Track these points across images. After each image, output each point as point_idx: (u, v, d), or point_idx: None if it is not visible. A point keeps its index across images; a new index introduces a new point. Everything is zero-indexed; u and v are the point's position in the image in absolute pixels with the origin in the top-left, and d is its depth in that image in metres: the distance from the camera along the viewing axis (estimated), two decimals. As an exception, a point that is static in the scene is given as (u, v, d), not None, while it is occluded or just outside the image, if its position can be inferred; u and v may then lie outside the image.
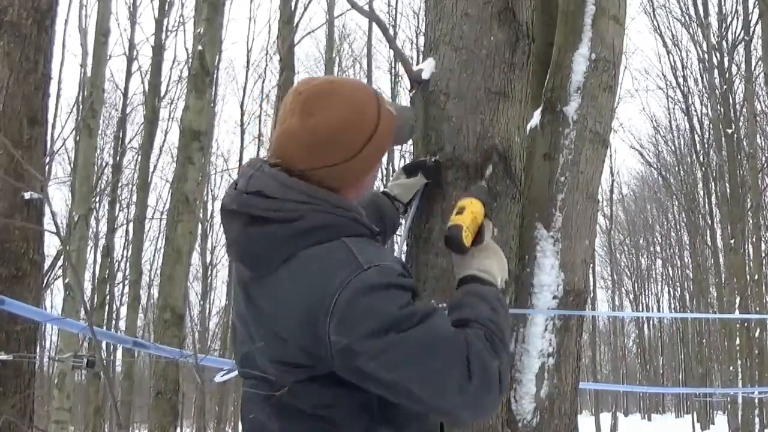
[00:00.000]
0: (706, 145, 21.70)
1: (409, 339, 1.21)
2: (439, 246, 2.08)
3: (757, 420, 17.18)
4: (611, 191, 27.43)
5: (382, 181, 20.26)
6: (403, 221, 2.10)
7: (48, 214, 4.26)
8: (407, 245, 2.15)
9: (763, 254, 18.17)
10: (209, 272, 25.16)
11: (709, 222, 22.17)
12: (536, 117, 2.50)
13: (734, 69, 19.65)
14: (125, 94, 17.94)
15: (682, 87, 22.35)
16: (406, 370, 1.21)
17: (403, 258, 2.17)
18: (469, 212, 1.61)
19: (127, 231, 20.60)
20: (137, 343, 3.24)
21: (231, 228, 1.37)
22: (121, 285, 21.25)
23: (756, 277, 17.37)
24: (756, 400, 16.55)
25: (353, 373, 1.23)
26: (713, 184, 21.49)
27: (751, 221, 17.81)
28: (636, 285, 38.54)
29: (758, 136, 18.80)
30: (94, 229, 19.67)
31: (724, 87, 19.01)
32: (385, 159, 20.41)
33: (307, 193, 1.34)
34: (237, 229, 1.35)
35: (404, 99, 19.65)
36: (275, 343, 1.31)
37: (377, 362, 1.21)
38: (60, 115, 16.06)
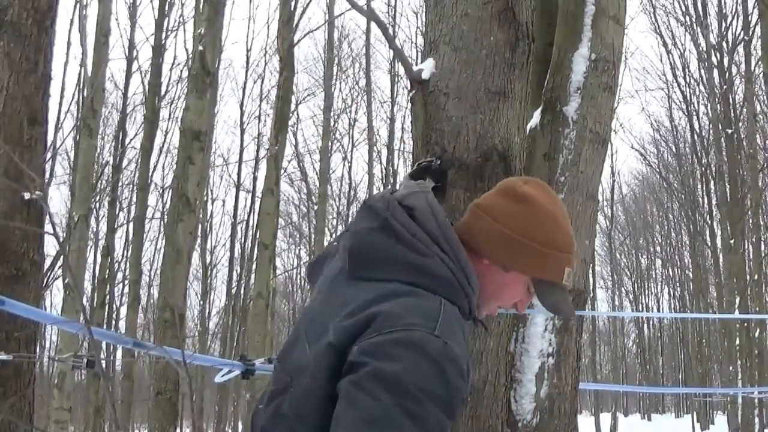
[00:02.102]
0: (706, 145, 21.70)
1: (387, 410, 1.14)
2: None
3: (756, 420, 17.17)
4: (611, 191, 27.44)
5: (384, 186, 20.27)
6: None
7: (52, 212, 4.26)
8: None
9: (763, 254, 18.17)
10: (209, 272, 25.15)
11: (709, 222, 22.16)
12: (536, 117, 2.50)
13: (734, 69, 19.65)
14: (125, 94, 17.93)
15: (682, 87, 22.36)
16: (354, 425, 1.15)
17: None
18: None
19: (127, 231, 20.61)
20: (137, 343, 3.24)
21: (360, 220, 1.36)
22: (121, 285, 21.25)
23: (756, 277, 17.36)
24: (756, 400, 16.54)
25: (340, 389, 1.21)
26: (713, 184, 21.49)
27: (751, 221, 17.80)
28: (636, 285, 38.53)
29: (758, 136, 18.79)
30: (94, 229, 19.68)
31: (724, 87, 19.01)
32: (383, 159, 20.39)
33: (448, 239, 1.31)
34: (366, 224, 1.34)
35: (404, 99, 19.65)
36: (303, 345, 1.30)
37: (349, 391, 1.17)
38: (60, 115, 16.03)
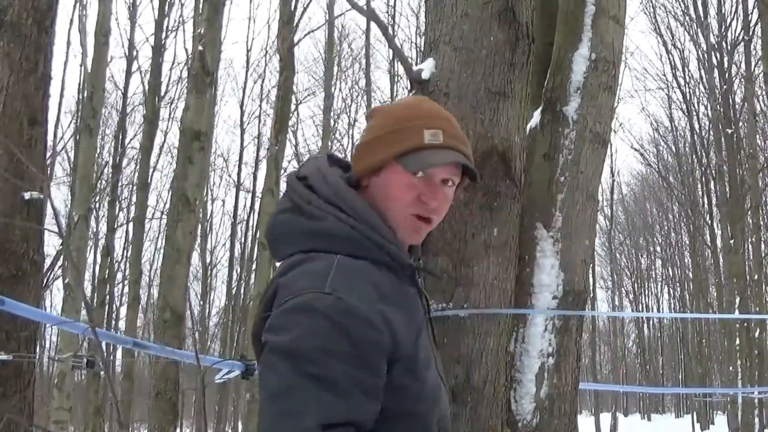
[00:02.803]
0: (706, 145, 21.70)
1: (291, 380, 1.13)
2: (438, 246, 2.08)
3: (756, 420, 17.16)
4: (611, 191, 27.43)
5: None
6: None
7: (50, 213, 4.26)
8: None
9: (763, 254, 18.16)
10: (209, 272, 25.16)
11: (709, 222, 22.16)
12: (536, 117, 2.50)
13: (734, 69, 19.64)
14: (125, 94, 17.94)
15: (682, 87, 22.35)
16: (266, 404, 1.16)
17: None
18: None
19: (127, 231, 20.63)
20: (137, 343, 3.24)
21: (278, 205, 1.38)
22: (121, 285, 21.26)
23: (756, 277, 17.36)
24: (756, 400, 16.54)
25: None
26: (713, 184, 21.49)
27: (750, 221, 17.80)
28: (636, 285, 38.53)
29: (758, 136, 18.79)
30: (94, 229, 19.68)
31: (724, 87, 19.01)
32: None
33: (341, 196, 1.30)
34: (277, 208, 1.36)
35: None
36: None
37: (260, 372, 1.19)
38: (60, 115, 16.06)
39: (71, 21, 17.02)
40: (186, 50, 16.75)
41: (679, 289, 33.28)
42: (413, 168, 1.32)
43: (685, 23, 21.54)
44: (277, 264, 1.33)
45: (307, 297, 1.18)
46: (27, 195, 3.95)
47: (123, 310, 19.21)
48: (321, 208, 1.28)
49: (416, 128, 1.33)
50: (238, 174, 22.87)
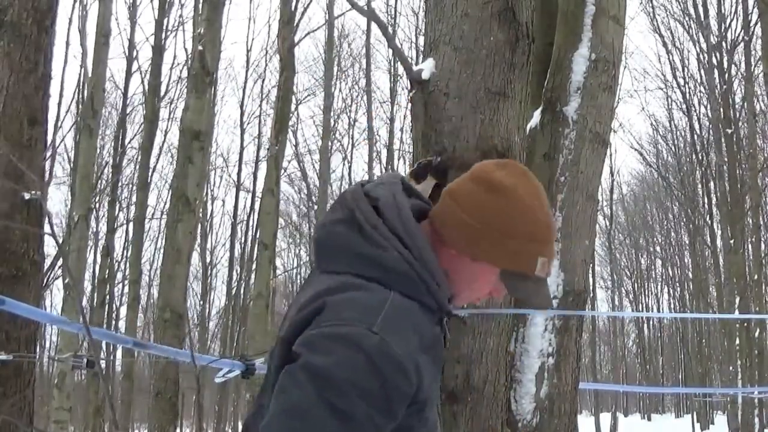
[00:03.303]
0: (706, 145, 21.70)
1: (311, 402, 1.13)
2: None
3: (756, 420, 17.16)
4: (611, 191, 27.43)
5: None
6: None
7: (53, 212, 4.26)
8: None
9: (763, 254, 18.17)
10: (209, 272, 25.17)
11: (709, 222, 22.16)
12: (536, 117, 2.50)
13: (734, 69, 19.65)
14: (125, 94, 17.94)
15: (681, 87, 22.35)
16: (277, 413, 1.16)
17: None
18: None
19: (127, 231, 20.63)
20: (137, 343, 3.24)
21: (331, 212, 1.34)
22: (121, 285, 21.26)
23: (756, 277, 17.36)
24: (756, 400, 16.53)
25: None
26: (713, 184, 21.49)
27: (750, 221, 17.80)
28: (636, 285, 38.53)
29: (758, 136, 18.79)
30: (94, 229, 19.68)
31: (724, 87, 19.01)
32: (380, 159, 20.39)
33: (409, 233, 1.27)
34: (334, 216, 1.32)
35: (404, 99, 19.64)
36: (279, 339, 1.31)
37: (281, 380, 1.18)
38: (60, 115, 16.04)
39: (70, 21, 17.03)
40: (186, 50, 16.75)
41: (679, 289, 33.28)
42: (510, 289, 1.35)
43: (685, 23, 21.55)
44: (320, 274, 1.30)
45: (354, 330, 1.17)
46: (27, 195, 3.95)
47: (123, 310, 19.21)
48: (385, 237, 1.26)
49: (532, 253, 1.32)
50: (238, 174, 22.89)
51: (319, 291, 1.25)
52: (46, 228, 4.23)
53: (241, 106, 22.24)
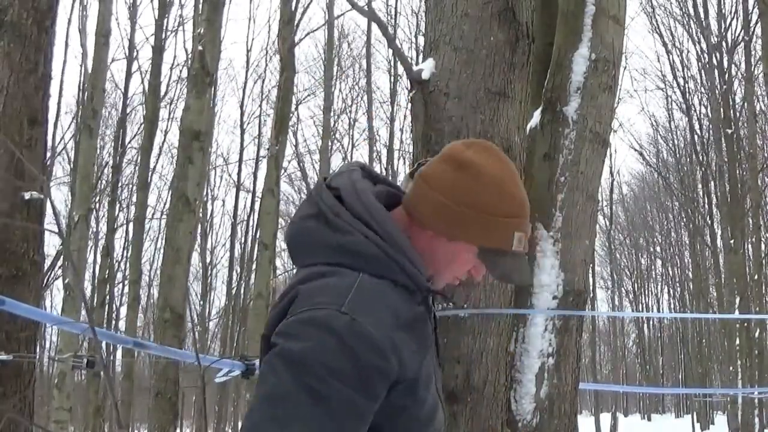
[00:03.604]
0: (705, 145, 21.71)
1: (289, 387, 1.15)
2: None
3: (756, 420, 17.17)
4: (611, 191, 27.43)
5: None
6: None
7: (50, 213, 4.27)
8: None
9: (763, 254, 18.17)
10: (209, 272, 25.17)
11: (709, 222, 22.16)
12: (536, 117, 2.50)
13: (734, 69, 19.65)
14: (125, 94, 17.95)
15: (681, 87, 22.35)
16: (257, 401, 1.18)
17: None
18: None
19: (127, 231, 20.64)
20: (137, 343, 3.24)
21: (300, 209, 1.36)
22: (121, 285, 21.26)
23: (756, 277, 17.37)
24: (756, 400, 16.54)
25: None
26: (713, 184, 21.49)
27: (750, 221, 17.81)
28: (636, 285, 38.54)
29: (758, 136, 18.79)
30: (94, 229, 19.68)
31: (724, 87, 19.01)
32: (378, 158, 20.39)
33: (372, 214, 1.29)
34: (302, 212, 1.34)
35: (404, 99, 19.65)
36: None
37: (261, 370, 1.21)
38: (60, 115, 16.06)
39: (70, 21, 17.06)
40: (186, 50, 16.76)
41: (679, 289, 33.29)
42: (489, 267, 1.36)
43: (685, 23, 21.55)
44: (295, 269, 1.33)
45: (324, 312, 1.18)
46: (27, 195, 3.95)
47: (123, 310, 19.22)
48: (349, 222, 1.28)
49: (507, 228, 1.33)
50: (238, 174, 22.89)
51: (291, 283, 1.28)
52: (51, 226, 4.23)
53: (241, 106, 22.26)
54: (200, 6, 10.45)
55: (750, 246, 17.98)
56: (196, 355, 2.17)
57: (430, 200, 1.32)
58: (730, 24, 19.84)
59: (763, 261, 17.69)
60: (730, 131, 18.55)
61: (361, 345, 1.17)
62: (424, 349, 1.31)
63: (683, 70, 22.29)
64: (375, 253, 1.26)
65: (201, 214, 20.04)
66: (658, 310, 38.89)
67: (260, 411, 1.16)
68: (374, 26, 15.74)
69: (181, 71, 18.42)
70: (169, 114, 19.59)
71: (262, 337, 1.29)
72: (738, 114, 19.48)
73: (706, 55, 20.06)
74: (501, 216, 1.31)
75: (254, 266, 17.42)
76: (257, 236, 16.79)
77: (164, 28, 16.13)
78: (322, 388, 1.15)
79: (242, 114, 22.27)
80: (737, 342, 17.44)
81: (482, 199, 1.30)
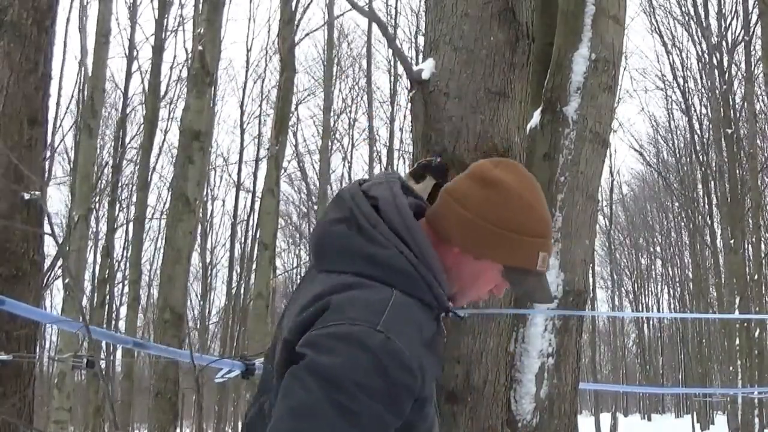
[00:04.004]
0: (705, 145, 21.70)
1: (318, 403, 1.13)
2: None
3: (756, 420, 17.16)
4: (611, 191, 27.43)
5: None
6: None
7: (52, 212, 4.27)
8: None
9: (763, 254, 18.16)
10: (209, 272, 25.16)
11: (709, 222, 22.16)
12: (536, 117, 2.50)
13: (734, 69, 19.65)
14: (125, 94, 17.94)
15: (681, 87, 22.34)
16: (284, 415, 1.16)
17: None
18: None
19: (127, 231, 20.63)
20: (137, 343, 3.24)
21: (329, 211, 1.34)
22: (121, 285, 21.25)
23: (756, 277, 17.36)
24: (756, 400, 16.53)
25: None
26: (713, 184, 21.48)
27: (750, 221, 17.80)
28: (636, 285, 38.52)
29: (758, 136, 18.79)
30: (94, 229, 19.67)
31: (724, 87, 19.00)
32: (381, 158, 20.40)
33: (410, 230, 1.28)
34: (332, 215, 1.32)
35: (404, 99, 19.64)
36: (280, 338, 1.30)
37: (287, 381, 1.18)
38: (60, 115, 16.03)
39: (68, 21, 17.06)
40: (186, 50, 16.76)
41: (679, 289, 33.28)
42: (514, 285, 1.37)
43: (685, 23, 21.55)
44: (318, 273, 1.30)
45: (359, 329, 1.17)
46: (27, 195, 3.95)
47: (123, 310, 19.21)
48: (386, 237, 1.27)
49: (533, 248, 1.33)
50: (238, 174, 22.88)
51: (321, 291, 1.24)
52: (46, 228, 4.23)
53: (241, 106, 22.25)
54: (200, 6, 10.44)
55: (750, 246, 17.98)
56: (191, 355, 2.17)
57: (458, 217, 1.31)
58: (730, 24, 19.85)
59: (763, 261, 17.68)
60: (730, 131, 18.54)
61: (393, 363, 1.16)
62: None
63: (683, 70, 22.30)
64: (408, 270, 1.26)
65: (201, 214, 20.04)
66: (658, 310, 38.90)
67: (286, 424, 1.14)
68: (374, 26, 15.74)
69: (181, 71, 18.43)
70: (169, 114, 19.60)
71: (284, 341, 1.26)
72: (738, 114, 19.48)
73: (706, 55, 20.06)
74: (528, 236, 1.31)
75: (254, 266, 17.41)
76: (257, 236, 16.78)
77: (164, 27, 16.13)
78: (352, 405, 1.13)
79: (242, 114, 22.28)
80: (737, 342, 17.44)
81: (510, 217, 1.30)
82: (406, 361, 1.18)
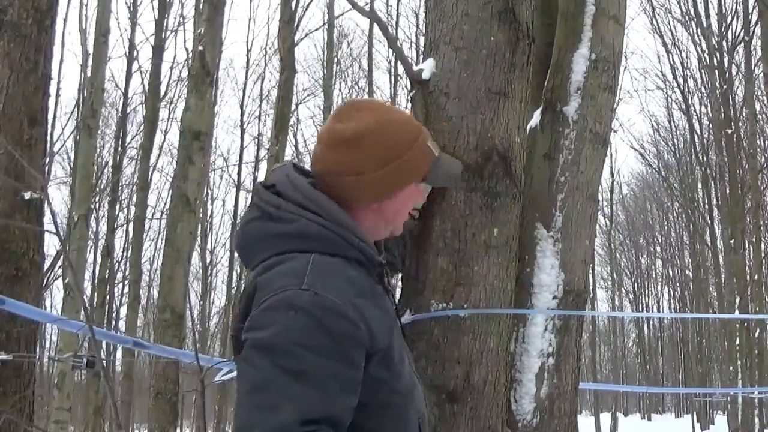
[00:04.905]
0: (705, 145, 21.70)
1: (267, 374, 1.16)
2: (439, 246, 2.08)
3: (757, 420, 17.17)
4: (611, 191, 27.43)
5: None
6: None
7: (48, 214, 4.27)
8: (407, 245, 2.15)
9: (763, 254, 18.15)
10: (209, 272, 25.17)
11: (709, 222, 22.16)
12: (536, 117, 2.50)
13: (734, 69, 19.64)
14: (125, 94, 17.95)
15: (681, 87, 22.34)
16: (242, 396, 1.19)
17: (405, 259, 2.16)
18: None
19: (127, 231, 20.61)
20: (137, 343, 3.24)
21: (242, 217, 1.40)
22: (121, 285, 21.26)
23: (756, 277, 17.35)
24: (756, 400, 16.54)
25: None
26: (713, 184, 21.48)
27: (750, 221, 17.80)
28: (636, 285, 38.53)
29: (758, 136, 18.78)
30: (94, 229, 19.67)
31: (724, 87, 19.00)
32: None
33: (311, 199, 1.33)
34: (244, 219, 1.38)
35: (404, 99, 19.65)
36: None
37: (238, 367, 1.22)
38: (60, 115, 16.04)
39: (65, 20, 17.04)
40: (186, 50, 16.74)
41: (679, 289, 33.27)
42: (436, 181, 1.45)
43: (685, 23, 21.55)
44: (251, 274, 1.35)
45: (286, 294, 1.21)
46: (27, 195, 3.95)
47: (123, 310, 19.21)
48: (291, 212, 1.32)
49: (421, 148, 1.40)
50: (238, 174, 22.87)
51: (249, 280, 1.31)
52: (50, 226, 4.23)
53: (241, 106, 22.24)
54: (201, 6, 10.44)
55: (750, 246, 17.97)
56: (196, 356, 2.17)
57: (358, 184, 1.35)
58: (730, 24, 19.84)
59: (763, 261, 17.68)
60: (730, 131, 18.54)
61: (328, 315, 1.20)
62: (390, 319, 1.34)
63: (683, 70, 22.30)
64: (321, 233, 1.30)
65: (201, 214, 20.04)
66: (658, 310, 38.90)
67: (247, 405, 1.17)
68: (375, 26, 15.74)
69: (181, 71, 18.42)
70: (169, 114, 19.59)
71: (231, 338, 1.31)
72: (738, 114, 19.47)
73: (706, 55, 20.05)
74: (413, 143, 1.38)
75: (254, 266, 17.36)
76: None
77: (164, 27, 16.12)
78: (301, 366, 1.16)
79: (242, 114, 22.27)
80: (737, 342, 17.44)
81: (392, 146, 1.36)
82: (339, 309, 1.21)
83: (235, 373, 2.87)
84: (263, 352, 1.17)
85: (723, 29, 19.84)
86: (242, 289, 1.39)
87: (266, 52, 21.78)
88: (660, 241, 35.00)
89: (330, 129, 1.38)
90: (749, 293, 17.20)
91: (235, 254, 23.49)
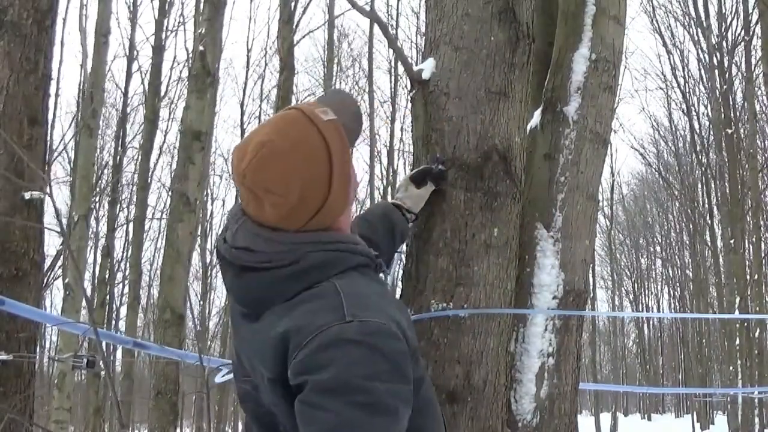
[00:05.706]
0: (706, 146, 21.71)
1: (345, 415, 1.14)
2: (439, 246, 2.08)
3: (757, 420, 17.17)
4: (611, 191, 27.43)
5: (384, 186, 20.27)
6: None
7: (52, 212, 4.27)
8: (407, 245, 2.15)
9: (763, 254, 18.15)
10: (209, 272, 25.14)
11: (709, 222, 22.16)
12: (536, 117, 2.50)
13: (734, 69, 19.64)
14: (125, 94, 17.94)
15: (682, 87, 22.35)
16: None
17: (403, 258, 2.16)
18: None
19: (127, 231, 20.61)
20: (137, 343, 3.24)
21: (226, 274, 1.36)
22: (121, 285, 21.26)
23: (756, 277, 17.35)
24: (756, 400, 16.54)
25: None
26: (713, 184, 21.50)
27: (750, 221, 17.80)
28: (636, 285, 38.53)
29: (758, 136, 18.78)
30: (94, 229, 19.67)
31: (724, 87, 19.00)
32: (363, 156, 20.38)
33: (297, 241, 1.30)
34: (230, 276, 1.34)
35: (404, 99, 19.65)
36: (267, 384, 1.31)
37: (302, 412, 1.19)
38: (60, 115, 16.04)
39: (65, 19, 17.03)
40: (186, 50, 16.76)
41: (679, 289, 33.27)
42: (353, 141, 1.42)
43: (685, 23, 21.55)
44: (265, 315, 1.30)
45: (332, 330, 1.19)
46: (27, 195, 3.95)
47: (123, 310, 19.21)
48: (280, 257, 1.29)
49: (331, 127, 1.34)
50: (238, 174, 22.80)
51: (276, 324, 1.26)
52: (53, 225, 4.23)
53: (241, 106, 22.23)
54: (201, 6, 10.44)
55: (750, 246, 17.97)
56: (199, 357, 2.17)
57: (301, 211, 1.30)
58: (731, 24, 19.83)
59: (763, 261, 17.67)
60: (730, 131, 18.54)
61: (378, 339, 1.19)
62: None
63: (683, 70, 22.30)
64: (327, 257, 1.29)
65: (201, 214, 20.03)
66: (658, 310, 38.91)
67: None
68: (375, 26, 15.72)
69: (181, 71, 18.43)
70: (169, 114, 19.59)
71: (270, 381, 1.26)
72: (738, 114, 19.47)
73: (706, 56, 20.05)
74: (323, 156, 1.31)
75: (254, 266, 17.35)
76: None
77: (164, 28, 16.12)
78: (371, 398, 1.15)
79: (242, 114, 22.27)
80: (737, 342, 17.44)
81: (315, 165, 1.30)
82: (384, 329, 1.21)
83: (232, 375, 2.87)
84: (331, 393, 1.15)
85: (723, 29, 19.84)
86: (253, 332, 1.33)
87: (266, 52, 21.79)
88: (660, 241, 35.02)
89: (270, 210, 1.31)
90: (749, 293, 17.20)
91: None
